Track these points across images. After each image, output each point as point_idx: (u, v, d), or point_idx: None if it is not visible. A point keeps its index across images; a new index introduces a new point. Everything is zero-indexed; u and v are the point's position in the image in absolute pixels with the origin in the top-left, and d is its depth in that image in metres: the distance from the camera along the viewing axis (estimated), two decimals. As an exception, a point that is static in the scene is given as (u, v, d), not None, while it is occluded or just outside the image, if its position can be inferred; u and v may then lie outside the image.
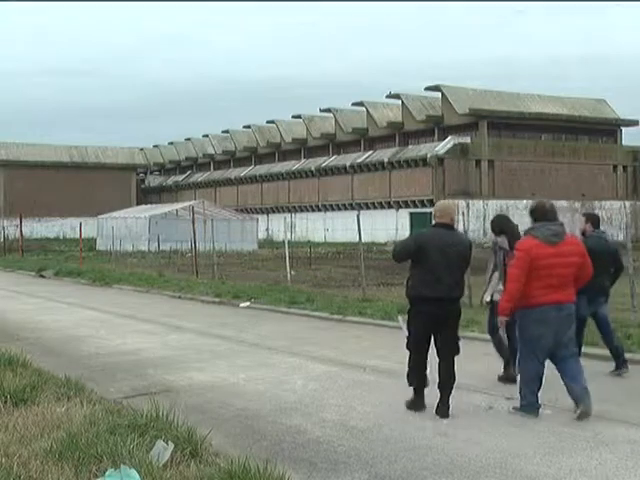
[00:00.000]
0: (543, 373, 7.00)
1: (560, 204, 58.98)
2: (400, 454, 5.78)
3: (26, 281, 25.99)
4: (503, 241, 8.43)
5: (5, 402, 6.56)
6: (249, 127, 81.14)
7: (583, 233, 9.17)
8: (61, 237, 72.96)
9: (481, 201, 58.07)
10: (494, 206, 57.65)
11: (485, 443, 6.04)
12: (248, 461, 4.84)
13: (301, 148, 74.92)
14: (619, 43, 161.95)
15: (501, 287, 7.96)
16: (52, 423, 5.87)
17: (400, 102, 65.18)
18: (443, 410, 6.93)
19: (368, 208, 61.20)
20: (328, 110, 71.40)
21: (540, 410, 6.96)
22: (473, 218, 54.91)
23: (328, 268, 29.04)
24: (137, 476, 4.59)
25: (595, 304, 8.81)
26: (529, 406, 6.94)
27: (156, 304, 17.91)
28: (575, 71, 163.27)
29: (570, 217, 59.88)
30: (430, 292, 6.94)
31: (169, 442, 5.22)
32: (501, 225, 8.63)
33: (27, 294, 20.44)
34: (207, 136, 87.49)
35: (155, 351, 10.83)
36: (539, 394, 6.99)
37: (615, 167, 64.89)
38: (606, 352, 9.86)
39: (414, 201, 58.89)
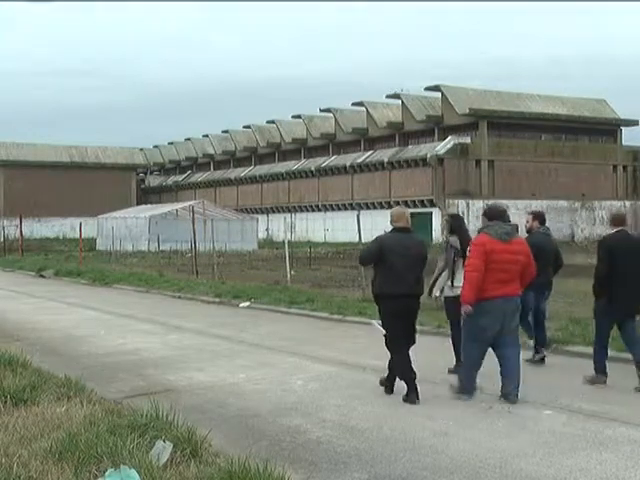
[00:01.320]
0: (483, 358, 7.57)
1: (560, 204, 59.22)
2: (400, 454, 5.78)
3: (26, 281, 25.99)
4: (455, 240, 8.78)
5: (5, 402, 6.56)
6: (249, 127, 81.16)
7: (529, 230, 9.66)
8: (61, 237, 72.89)
9: (481, 201, 58.00)
10: (494, 206, 57.63)
11: (485, 443, 6.04)
12: (248, 461, 4.85)
13: (301, 148, 74.92)
14: (619, 43, 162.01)
15: (450, 283, 8.53)
16: (52, 423, 5.87)
17: (400, 102, 65.19)
18: (412, 397, 7.42)
19: (368, 208, 61.20)
20: (328, 110, 71.41)
21: (477, 392, 7.54)
22: (473, 218, 54.84)
23: (328, 268, 29.03)
24: (137, 476, 4.59)
25: (539, 298, 9.39)
26: (467, 388, 7.52)
27: (156, 304, 17.91)
28: (575, 71, 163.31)
29: (570, 217, 60.28)
30: (394, 289, 7.56)
31: (169, 442, 5.22)
32: (456, 225, 9.00)
33: (27, 294, 20.43)
34: (207, 136, 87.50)
35: (155, 351, 10.83)
36: (477, 380, 7.58)
37: (615, 167, 64.91)
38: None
39: (414, 201, 58.85)
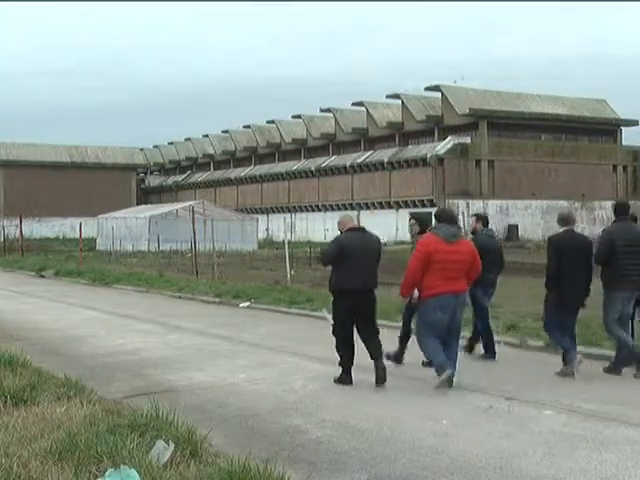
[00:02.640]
0: (442, 349, 8.05)
1: (560, 204, 59.16)
2: (400, 454, 5.77)
3: (26, 281, 25.98)
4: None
5: (5, 402, 6.56)
6: (249, 127, 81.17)
7: (474, 232, 10.21)
8: (61, 237, 72.86)
9: (481, 201, 58.08)
10: (494, 206, 57.69)
11: (485, 443, 6.04)
12: (248, 461, 4.84)
13: (301, 148, 74.93)
14: (619, 43, 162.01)
15: None
16: (52, 423, 5.87)
17: (400, 102, 65.19)
18: (382, 375, 8.12)
19: (368, 208, 61.25)
20: (328, 110, 71.42)
21: (449, 373, 7.87)
22: (473, 218, 54.89)
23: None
24: (137, 476, 4.59)
25: (487, 295, 9.92)
26: (442, 365, 7.93)
27: (156, 304, 17.90)
28: (575, 71, 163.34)
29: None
30: (352, 284, 8.21)
31: (169, 442, 5.22)
32: (424, 225, 9.40)
33: (27, 294, 20.43)
34: (207, 136, 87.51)
35: (155, 351, 10.83)
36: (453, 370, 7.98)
37: (615, 167, 64.94)
38: (606, 352, 9.88)
39: (414, 201, 58.88)
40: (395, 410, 7.14)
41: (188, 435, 5.45)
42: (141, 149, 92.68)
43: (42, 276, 27.46)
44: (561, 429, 6.46)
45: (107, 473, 4.65)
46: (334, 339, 8.46)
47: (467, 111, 59.33)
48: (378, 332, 8.46)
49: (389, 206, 61.10)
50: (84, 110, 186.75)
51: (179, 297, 19.08)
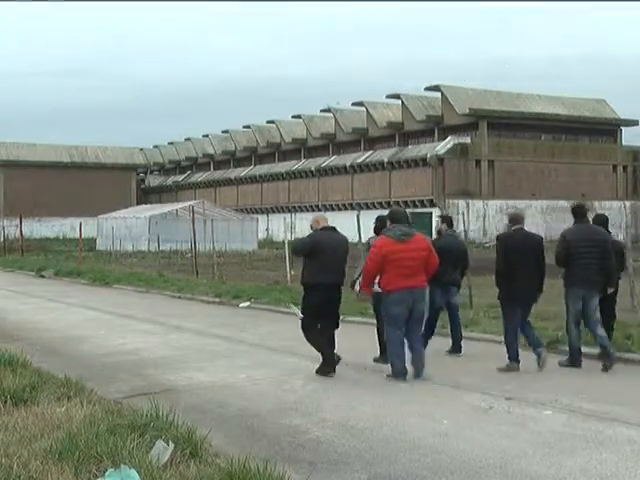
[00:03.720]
0: (404, 340, 8.62)
1: (560, 204, 59.11)
2: (400, 454, 5.77)
3: (26, 281, 25.99)
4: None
5: (5, 402, 6.56)
6: (249, 127, 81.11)
7: (439, 232, 10.66)
8: (61, 237, 72.83)
9: (481, 201, 58.07)
10: (494, 206, 57.67)
11: (485, 443, 6.04)
12: (248, 461, 4.84)
13: (301, 148, 74.88)
14: (619, 43, 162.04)
15: (375, 280, 9.20)
16: (52, 423, 5.87)
17: (400, 102, 65.17)
18: (328, 370, 8.73)
19: (368, 208, 61.14)
20: (328, 110, 71.37)
21: (407, 376, 8.47)
22: (473, 218, 54.86)
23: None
24: (137, 476, 4.59)
25: (448, 294, 10.30)
26: (398, 373, 8.49)
27: (156, 304, 17.91)
28: (575, 71, 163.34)
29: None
30: (325, 279, 8.83)
31: (169, 442, 5.22)
32: (380, 227, 9.55)
33: (27, 294, 20.43)
34: (207, 136, 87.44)
35: (155, 351, 10.83)
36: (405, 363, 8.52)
37: (615, 167, 64.85)
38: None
39: (414, 201, 58.85)
40: (395, 410, 7.14)
41: (188, 435, 5.45)
42: (141, 149, 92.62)
43: (42, 276, 27.47)
44: (561, 429, 6.46)
45: (107, 473, 4.65)
46: (303, 332, 8.99)
47: (467, 111, 59.29)
48: (338, 326, 9.05)
49: (389, 206, 60.97)
50: (84, 110, 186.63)
51: (179, 297, 19.09)
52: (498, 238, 9.67)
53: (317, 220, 9.38)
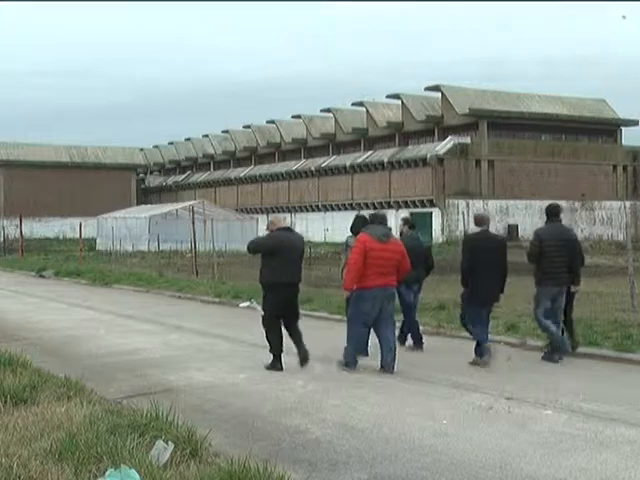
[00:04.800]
0: (368, 336, 9.06)
1: (560, 204, 59.08)
2: (400, 454, 5.77)
3: (26, 281, 25.98)
4: (354, 242, 9.66)
5: (5, 402, 6.56)
6: (249, 127, 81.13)
7: (401, 233, 11.02)
8: (61, 237, 72.84)
9: (481, 201, 58.05)
10: (494, 206, 57.65)
11: (485, 443, 6.04)
12: (248, 461, 4.84)
13: (301, 148, 74.90)
14: (619, 43, 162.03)
15: None
16: (52, 423, 5.87)
17: (400, 102, 65.18)
18: (305, 357, 9.15)
19: (368, 208, 61.09)
20: (328, 110, 71.39)
21: (357, 365, 8.98)
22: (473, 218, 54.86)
23: (328, 268, 29.00)
24: (137, 476, 4.59)
25: (411, 291, 10.74)
26: (350, 363, 8.99)
27: (156, 304, 17.90)
28: (575, 71, 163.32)
29: (570, 217, 60.23)
30: (285, 278, 9.21)
31: (169, 442, 5.22)
32: (358, 229, 9.82)
33: (27, 294, 20.43)
34: (207, 136, 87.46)
35: (155, 351, 10.83)
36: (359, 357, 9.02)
37: (615, 167, 64.85)
38: (606, 352, 9.91)
39: (414, 201, 58.87)
40: (395, 410, 7.14)
41: (188, 435, 5.45)
42: (141, 149, 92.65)
43: (42, 276, 27.46)
44: (561, 429, 6.46)
45: (107, 473, 4.65)
46: (264, 328, 9.31)
47: (467, 111, 59.31)
48: (299, 317, 9.58)
49: (389, 206, 61.02)
50: (84, 110, 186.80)
51: (179, 297, 19.09)
52: (465, 240, 10.00)
53: (274, 221, 9.80)
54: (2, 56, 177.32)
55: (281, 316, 9.33)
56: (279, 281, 9.22)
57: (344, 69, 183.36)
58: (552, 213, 10.00)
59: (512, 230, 55.66)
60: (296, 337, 9.35)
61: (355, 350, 9.08)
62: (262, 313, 9.47)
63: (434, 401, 7.52)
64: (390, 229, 9.37)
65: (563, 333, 9.83)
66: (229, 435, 6.31)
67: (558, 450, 5.85)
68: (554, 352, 9.59)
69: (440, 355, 9.86)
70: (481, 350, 9.42)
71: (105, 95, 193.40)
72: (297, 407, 7.28)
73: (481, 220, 9.93)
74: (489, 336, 9.69)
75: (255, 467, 4.77)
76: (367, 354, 9.13)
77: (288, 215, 64.06)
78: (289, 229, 9.78)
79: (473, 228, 10.56)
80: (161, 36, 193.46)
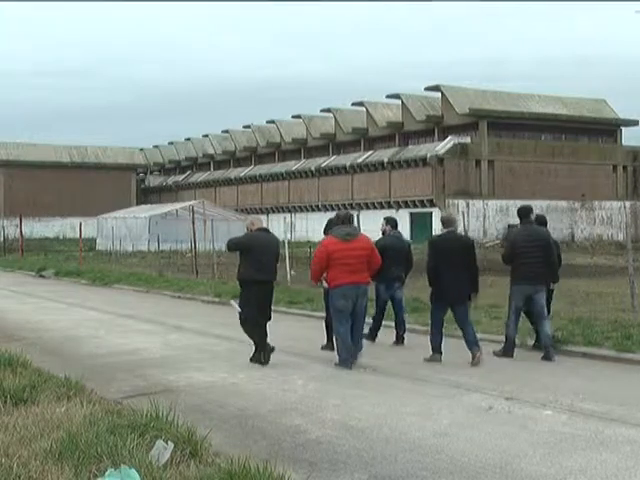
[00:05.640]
0: (349, 332, 9.41)
1: (560, 204, 59.16)
2: (400, 454, 5.77)
3: (26, 281, 25.98)
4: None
5: (5, 402, 6.56)
6: (249, 127, 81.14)
7: (383, 232, 11.41)
8: (61, 237, 72.85)
9: (481, 201, 58.06)
10: (494, 206, 57.67)
11: (485, 443, 6.04)
12: (248, 461, 4.84)
13: (301, 148, 74.91)
14: (619, 43, 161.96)
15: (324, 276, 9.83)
16: (52, 423, 5.86)
17: (400, 102, 65.18)
18: (260, 358, 9.52)
19: (368, 208, 61.17)
20: (328, 110, 71.39)
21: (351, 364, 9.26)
22: (473, 218, 54.87)
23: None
24: (137, 476, 4.58)
25: (392, 289, 11.14)
26: (344, 361, 9.29)
27: (156, 304, 17.90)
28: (575, 72, 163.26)
29: (570, 217, 60.26)
30: (260, 276, 9.62)
31: (169, 442, 5.22)
32: (327, 228, 10.21)
33: (27, 294, 20.43)
34: (207, 136, 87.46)
35: (155, 351, 10.83)
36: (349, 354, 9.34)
37: (615, 167, 64.86)
38: (606, 352, 9.90)
39: (414, 201, 58.86)
40: (395, 410, 7.14)
41: (188, 435, 5.45)
42: (141, 149, 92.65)
43: (42, 276, 27.46)
44: (561, 429, 6.46)
45: (107, 473, 4.65)
46: (244, 325, 9.77)
47: (467, 111, 59.31)
48: (270, 319, 9.83)
49: (389, 206, 61.05)
50: (84, 110, 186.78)
51: (179, 297, 19.09)
52: (430, 241, 10.24)
53: (252, 222, 10.23)
54: (3, 56, 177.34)
55: (256, 313, 9.67)
56: (254, 278, 9.63)
57: (344, 69, 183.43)
58: (523, 215, 10.23)
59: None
60: (264, 335, 9.73)
61: (346, 350, 9.36)
62: (239, 310, 9.86)
63: (434, 401, 7.52)
64: (355, 228, 9.79)
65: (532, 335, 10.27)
66: (229, 435, 6.31)
67: (558, 450, 5.85)
68: (508, 348, 9.93)
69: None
70: (437, 346, 9.76)
71: (105, 95, 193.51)
72: (297, 407, 7.28)
73: (447, 221, 10.18)
74: (477, 335, 9.84)
75: (255, 467, 4.76)
76: (350, 357, 9.37)
77: (288, 215, 63.99)
78: (266, 230, 10.19)
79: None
80: (161, 36, 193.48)
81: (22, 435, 5.57)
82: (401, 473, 5.35)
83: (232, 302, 10.59)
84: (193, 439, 5.39)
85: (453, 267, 9.55)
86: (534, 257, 9.77)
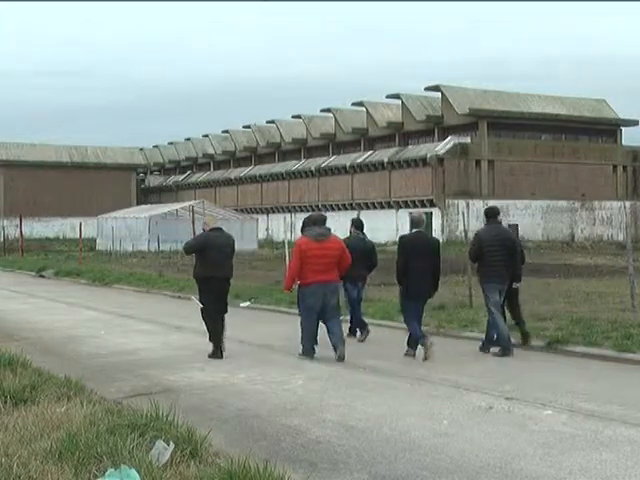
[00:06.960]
0: (317, 328, 9.95)
1: (560, 204, 59.16)
2: (400, 454, 5.77)
3: (26, 281, 25.99)
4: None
5: (5, 402, 6.55)
6: (249, 127, 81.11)
7: (350, 233, 11.95)
8: (61, 237, 72.87)
9: (481, 201, 57.99)
10: (494, 206, 57.60)
11: (485, 443, 6.04)
12: (248, 461, 4.83)
13: (301, 148, 74.88)
14: (619, 43, 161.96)
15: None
16: (52, 423, 5.86)
17: (400, 102, 65.16)
18: (218, 354, 9.99)
19: (368, 208, 61.19)
20: (328, 110, 71.36)
21: (315, 355, 9.84)
22: (473, 218, 54.64)
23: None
24: (137, 476, 4.58)
25: (356, 287, 11.72)
26: (307, 351, 9.88)
27: (156, 304, 17.91)
28: (575, 71, 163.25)
29: (570, 217, 60.25)
30: (213, 273, 10.19)
31: (169, 442, 5.22)
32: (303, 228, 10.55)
33: (27, 294, 20.43)
34: (207, 136, 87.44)
35: (155, 351, 10.84)
36: (314, 345, 9.94)
37: (615, 167, 64.81)
38: (606, 352, 9.91)
39: (414, 201, 58.83)
40: (395, 410, 7.14)
41: (188, 435, 5.44)
42: (141, 149, 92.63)
43: (42, 276, 27.47)
44: (561, 429, 6.46)
45: (107, 473, 4.65)
46: (204, 320, 10.36)
47: (467, 111, 59.28)
48: (226, 311, 10.41)
49: (389, 206, 61.06)
50: (84, 110, 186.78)
51: (179, 297, 19.08)
52: (399, 240, 10.50)
53: (208, 222, 10.80)
54: (3, 56, 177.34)
55: (213, 308, 10.22)
56: (209, 275, 10.20)
57: (344, 69, 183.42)
58: (491, 215, 10.61)
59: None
60: (221, 330, 10.25)
61: (309, 341, 9.91)
62: (201, 306, 10.41)
63: (434, 401, 7.52)
64: (328, 229, 10.13)
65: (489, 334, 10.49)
66: (229, 435, 6.31)
67: (558, 450, 5.85)
68: (505, 347, 10.05)
69: (440, 355, 9.85)
70: (413, 342, 9.99)
71: (105, 95, 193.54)
72: (297, 407, 7.28)
73: (416, 222, 10.53)
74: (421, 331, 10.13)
75: (255, 467, 4.76)
76: (316, 343, 9.98)
77: (288, 215, 63.88)
78: (219, 229, 10.57)
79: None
80: (161, 36, 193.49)
81: (22, 435, 5.56)
82: (401, 473, 5.35)
83: (193, 298, 11.06)
84: (193, 439, 5.39)
85: (420, 266, 9.90)
86: (500, 255, 10.12)
